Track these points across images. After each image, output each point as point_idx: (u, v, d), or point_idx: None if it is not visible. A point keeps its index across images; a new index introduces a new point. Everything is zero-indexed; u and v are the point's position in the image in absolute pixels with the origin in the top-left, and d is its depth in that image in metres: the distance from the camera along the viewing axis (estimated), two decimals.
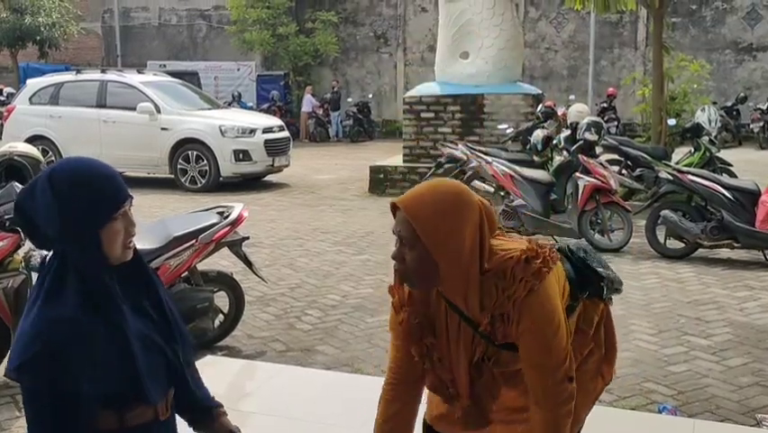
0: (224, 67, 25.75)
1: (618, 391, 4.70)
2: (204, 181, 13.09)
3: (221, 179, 13.17)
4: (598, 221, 8.55)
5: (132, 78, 14.09)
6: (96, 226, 1.74)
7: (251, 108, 20.94)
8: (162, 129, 13.16)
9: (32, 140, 13.77)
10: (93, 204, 1.73)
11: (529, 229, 8.76)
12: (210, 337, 5.35)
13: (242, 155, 13.06)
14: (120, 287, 1.82)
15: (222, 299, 5.52)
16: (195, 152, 13.09)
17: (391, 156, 14.03)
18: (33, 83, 14.70)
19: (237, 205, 5.27)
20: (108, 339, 1.75)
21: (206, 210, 5.39)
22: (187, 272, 5.10)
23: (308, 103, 23.38)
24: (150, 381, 1.81)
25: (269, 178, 14.29)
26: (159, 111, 13.18)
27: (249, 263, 5.42)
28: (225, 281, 5.40)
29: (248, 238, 5.42)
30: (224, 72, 25.72)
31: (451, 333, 2.06)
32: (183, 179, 13.16)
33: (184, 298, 5.05)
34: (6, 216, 4.47)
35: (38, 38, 24.60)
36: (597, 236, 8.52)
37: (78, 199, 1.72)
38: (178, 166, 13.20)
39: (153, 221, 6.01)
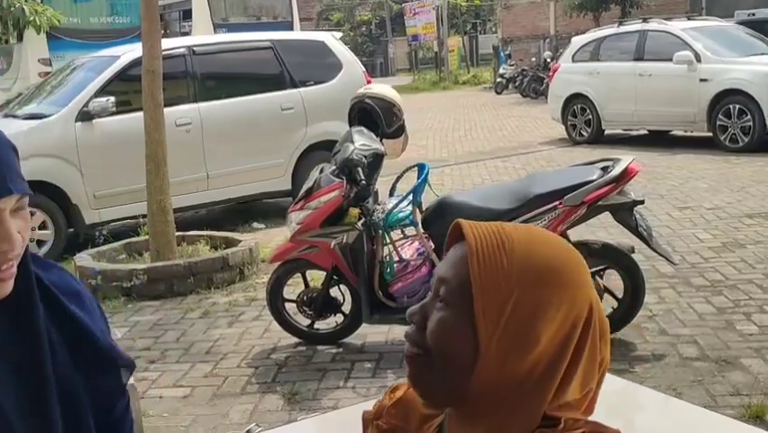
0: None
1: None
2: (746, 140, 11.07)
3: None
4: None
5: (673, 24, 12.67)
6: None
7: None
8: (701, 80, 11.49)
9: (570, 99, 13.58)
10: None
11: None
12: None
13: None
14: None
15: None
16: (737, 106, 11.15)
17: None
18: (577, 40, 14.33)
19: (625, 158, 3.94)
20: None
21: (589, 164, 4.18)
22: None
23: None
24: None
25: None
26: (698, 60, 11.56)
27: (641, 237, 4.03)
28: (614, 257, 4.11)
29: (642, 202, 4.03)
30: None
31: None
32: (722, 138, 11.33)
33: None
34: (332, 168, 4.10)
35: None
36: None
37: None
38: (717, 122, 11.41)
39: (520, 177, 5.00)
